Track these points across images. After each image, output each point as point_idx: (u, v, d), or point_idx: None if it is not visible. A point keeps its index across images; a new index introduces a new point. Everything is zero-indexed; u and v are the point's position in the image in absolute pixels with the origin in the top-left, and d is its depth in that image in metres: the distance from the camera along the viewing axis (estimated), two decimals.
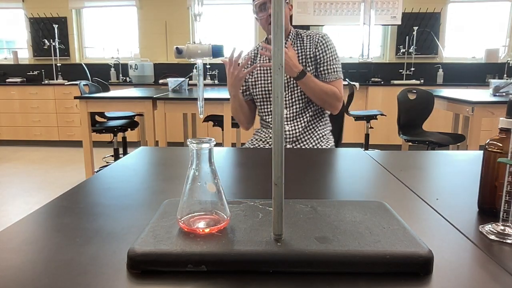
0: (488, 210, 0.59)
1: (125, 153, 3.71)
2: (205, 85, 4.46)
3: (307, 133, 1.53)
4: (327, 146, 1.54)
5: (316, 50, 1.50)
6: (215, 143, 0.48)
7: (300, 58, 1.54)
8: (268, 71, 1.57)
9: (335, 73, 1.51)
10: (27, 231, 0.53)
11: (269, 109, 1.59)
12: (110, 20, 5.61)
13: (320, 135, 1.55)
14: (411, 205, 0.63)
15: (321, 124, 1.57)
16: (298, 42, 1.54)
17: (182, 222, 0.47)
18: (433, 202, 0.63)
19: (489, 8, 5.18)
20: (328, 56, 1.50)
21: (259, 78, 1.57)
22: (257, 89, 1.57)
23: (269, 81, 1.56)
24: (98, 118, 3.69)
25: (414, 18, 5.12)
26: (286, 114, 1.54)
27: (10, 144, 5.38)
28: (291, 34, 1.54)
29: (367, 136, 4.19)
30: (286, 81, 1.53)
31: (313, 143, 1.52)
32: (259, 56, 1.60)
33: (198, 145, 0.47)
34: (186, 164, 0.49)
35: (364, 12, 4.88)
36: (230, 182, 0.74)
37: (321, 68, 1.50)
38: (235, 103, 1.52)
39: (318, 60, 1.50)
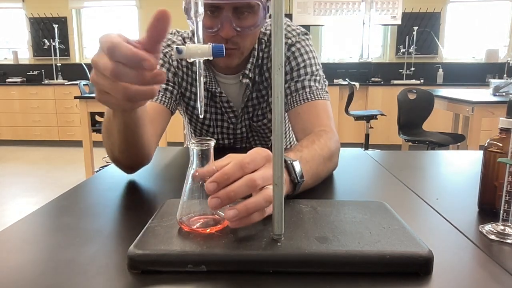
0: (488, 210, 0.59)
1: None
2: None
3: None
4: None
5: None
6: (215, 142, 0.48)
7: (262, 80, 0.98)
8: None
9: (318, 89, 0.91)
10: (27, 231, 0.53)
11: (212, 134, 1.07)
12: (110, 20, 5.61)
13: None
14: (411, 205, 0.63)
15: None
16: (263, 53, 0.97)
17: (182, 222, 0.47)
18: (433, 202, 0.63)
19: (489, 8, 5.18)
20: (302, 70, 0.93)
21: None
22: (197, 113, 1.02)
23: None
24: (98, 118, 3.69)
25: (414, 18, 5.13)
26: None
27: (10, 144, 5.38)
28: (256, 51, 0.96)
29: (367, 136, 4.19)
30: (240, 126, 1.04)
31: None
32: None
33: (198, 145, 0.47)
34: (186, 164, 0.49)
35: (364, 12, 4.88)
36: None
37: (293, 87, 0.92)
38: (122, 134, 0.67)
39: (287, 78, 0.94)
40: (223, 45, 0.50)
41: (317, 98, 0.90)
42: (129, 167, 0.78)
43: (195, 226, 0.46)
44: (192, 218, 0.47)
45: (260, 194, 0.45)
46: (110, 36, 0.46)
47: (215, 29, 0.81)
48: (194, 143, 0.47)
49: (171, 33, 1.01)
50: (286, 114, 0.96)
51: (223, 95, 0.99)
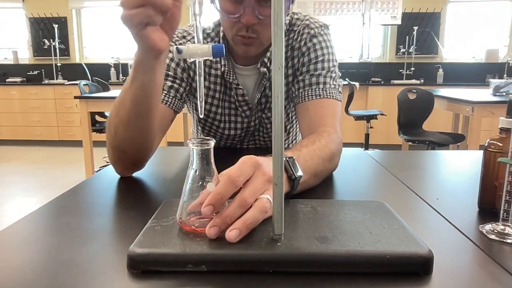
0: (488, 210, 0.59)
1: None
2: None
3: None
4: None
5: (297, 60, 0.94)
6: (214, 142, 0.48)
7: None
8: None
9: (331, 87, 0.90)
10: (27, 231, 0.53)
11: (224, 132, 1.05)
12: (110, 20, 5.61)
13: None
14: (411, 205, 0.63)
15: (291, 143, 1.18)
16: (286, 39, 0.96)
17: (182, 222, 0.47)
18: (433, 202, 0.63)
19: (489, 8, 5.18)
20: (320, 64, 0.92)
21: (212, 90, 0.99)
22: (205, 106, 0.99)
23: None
24: (98, 118, 3.69)
25: (414, 18, 5.12)
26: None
27: (10, 144, 5.38)
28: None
29: (367, 136, 4.19)
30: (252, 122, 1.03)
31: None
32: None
33: (198, 145, 0.47)
34: (186, 164, 0.49)
35: (364, 12, 4.88)
36: None
37: (307, 81, 0.91)
38: (134, 104, 0.67)
39: (299, 73, 0.94)
40: (223, 45, 0.50)
41: (328, 97, 0.89)
42: (128, 159, 0.75)
43: (195, 226, 0.46)
44: (192, 218, 0.47)
45: (256, 208, 0.45)
46: None
47: (237, 14, 0.80)
48: (194, 143, 0.47)
49: (189, 25, 0.98)
50: (295, 106, 0.95)
51: (239, 87, 0.96)
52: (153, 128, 0.73)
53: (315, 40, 0.94)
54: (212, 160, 0.48)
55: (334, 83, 0.92)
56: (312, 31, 0.94)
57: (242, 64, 0.96)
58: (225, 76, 0.96)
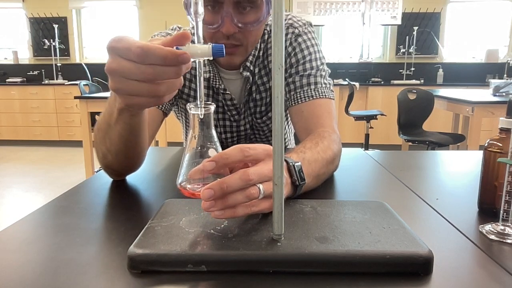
0: (488, 210, 0.59)
1: None
2: None
3: None
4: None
5: (284, 61, 0.90)
6: (214, 106, 0.47)
7: (266, 73, 0.94)
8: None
9: (322, 87, 0.90)
10: (27, 231, 0.53)
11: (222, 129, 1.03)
12: (110, 20, 5.61)
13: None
14: (411, 205, 0.63)
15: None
16: (267, 44, 0.93)
17: (182, 187, 0.46)
18: (433, 202, 0.63)
19: (489, 8, 5.18)
20: (308, 64, 0.91)
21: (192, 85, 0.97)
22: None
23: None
24: (98, 118, 3.68)
25: (414, 18, 5.13)
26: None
27: (10, 144, 5.38)
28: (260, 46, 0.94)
29: (367, 136, 4.19)
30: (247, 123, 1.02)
31: None
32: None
33: (197, 110, 0.46)
34: None
35: (364, 12, 4.88)
36: None
37: (298, 83, 0.90)
38: (123, 139, 0.65)
39: (288, 75, 0.92)
40: (223, 45, 0.50)
41: (321, 97, 0.88)
42: (120, 174, 0.76)
43: (194, 191, 0.46)
44: (191, 184, 0.47)
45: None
46: (128, 40, 0.46)
47: (216, 25, 0.78)
48: (193, 107, 0.46)
49: (172, 29, 0.98)
50: (287, 109, 0.93)
51: (226, 92, 0.95)
52: (142, 149, 0.72)
53: (300, 39, 0.92)
54: (213, 126, 0.47)
55: (325, 81, 0.91)
56: (297, 30, 0.93)
57: (226, 68, 0.94)
58: (211, 81, 0.94)
